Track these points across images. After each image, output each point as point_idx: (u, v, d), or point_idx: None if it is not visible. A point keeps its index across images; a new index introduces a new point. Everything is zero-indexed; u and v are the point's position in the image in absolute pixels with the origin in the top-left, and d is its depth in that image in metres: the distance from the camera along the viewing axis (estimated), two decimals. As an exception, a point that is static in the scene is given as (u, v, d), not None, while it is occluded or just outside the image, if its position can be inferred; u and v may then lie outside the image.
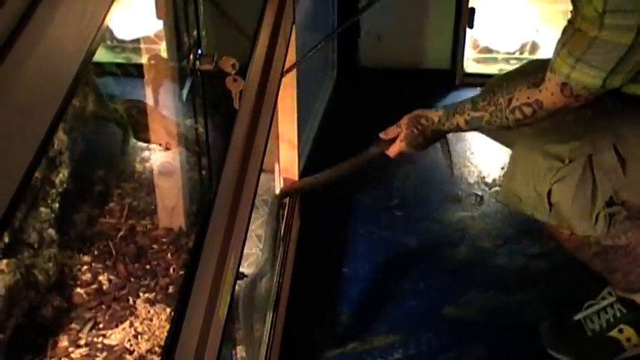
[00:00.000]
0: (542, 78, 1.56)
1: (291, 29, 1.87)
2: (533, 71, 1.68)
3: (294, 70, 1.93)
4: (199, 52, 1.35)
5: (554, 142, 1.64)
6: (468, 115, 1.70)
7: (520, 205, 1.73)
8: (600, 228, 1.62)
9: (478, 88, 2.66)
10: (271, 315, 1.85)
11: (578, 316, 1.90)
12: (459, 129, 1.76)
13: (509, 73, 1.95)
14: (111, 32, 1.88)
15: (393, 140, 1.81)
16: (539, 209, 1.67)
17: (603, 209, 1.61)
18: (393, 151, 1.83)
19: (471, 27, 2.59)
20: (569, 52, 1.47)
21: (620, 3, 1.38)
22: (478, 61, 2.72)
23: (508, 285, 2.10)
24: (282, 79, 1.78)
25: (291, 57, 1.89)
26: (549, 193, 1.63)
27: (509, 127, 1.66)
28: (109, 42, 1.92)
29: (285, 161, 2.07)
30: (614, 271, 1.79)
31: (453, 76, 2.71)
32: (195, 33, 1.36)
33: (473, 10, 2.56)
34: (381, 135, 1.85)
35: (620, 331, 1.85)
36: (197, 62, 1.34)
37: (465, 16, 2.58)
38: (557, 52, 1.51)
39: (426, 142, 1.81)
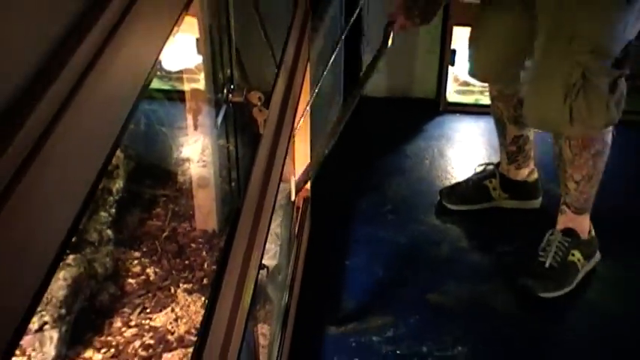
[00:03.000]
0: None
1: (307, 66, 1.87)
2: None
3: (308, 98, 1.93)
4: (231, 86, 1.34)
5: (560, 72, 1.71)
6: None
7: (546, 126, 1.88)
8: (613, 112, 1.75)
9: (458, 115, 2.70)
10: (286, 299, 1.84)
11: (547, 263, 1.98)
12: None
13: None
14: (159, 63, 1.87)
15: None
16: (565, 126, 1.77)
17: (610, 97, 1.73)
18: (396, 26, 1.79)
19: (453, 65, 2.58)
20: None
21: None
22: (458, 92, 2.71)
23: (480, 277, 2.09)
24: (298, 109, 1.77)
25: (306, 89, 1.89)
26: (571, 111, 1.72)
27: None
28: (158, 72, 1.90)
29: (300, 172, 2.06)
30: (590, 179, 1.92)
31: (437, 104, 2.70)
32: (228, 70, 1.35)
33: (454, 51, 2.55)
34: (388, 16, 1.82)
35: (573, 254, 1.99)
36: (229, 95, 1.34)
37: (447, 56, 2.57)
38: None
39: (422, 13, 1.77)
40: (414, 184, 2.39)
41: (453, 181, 2.39)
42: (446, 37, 2.56)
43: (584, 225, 2.02)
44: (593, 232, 2.05)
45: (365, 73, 1.96)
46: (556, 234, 2.01)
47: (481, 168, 2.30)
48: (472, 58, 2.05)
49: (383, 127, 2.59)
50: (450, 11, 2.51)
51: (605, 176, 1.98)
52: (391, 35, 1.82)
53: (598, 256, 2.06)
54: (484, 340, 1.93)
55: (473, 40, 2.03)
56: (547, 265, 1.98)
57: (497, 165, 2.27)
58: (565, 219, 2.02)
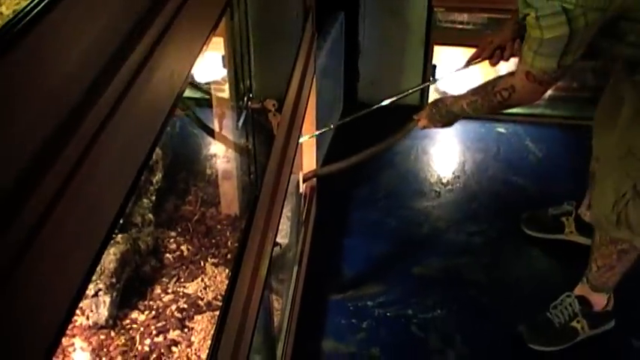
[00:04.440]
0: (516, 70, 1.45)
1: (313, 79, 1.86)
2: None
3: (314, 107, 1.92)
4: (250, 95, 1.34)
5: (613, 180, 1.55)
6: (468, 99, 1.55)
7: (597, 223, 1.67)
8: None
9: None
10: (296, 271, 1.85)
11: (548, 315, 1.81)
12: (463, 111, 1.58)
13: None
14: (192, 76, 1.85)
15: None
16: (612, 228, 1.60)
17: None
18: (419, 124, 1.72)
19: (434, 77, 2.57)
20: (528, 48, 1.36)
21: (543, 8, 1.27)
22: (438, 100, 2.69)
23: (455, 252, 2.09)
24: (305, 115, 1.77)
25: (312, 98, 1.88)
26: (618, 217, 1.57)
27: (495, 107, 1.51)
28: (190, 83, 1.88)
29: (307, 167, 2.07)
30: (611, 268, 1.71)
31: (421, 109, 2.67)
32: (248, 82, 1.35)
33: (434, 66, 2.54)
34: (414, 115, 1.74)
35: (578, 322, 1.79)
36: (249, 102, 1.33)
37: (429, 70, 2.56)
38: (522, 48, 1.40)
39: (442, 120, 1.66)
40: (401, 175, 2.39)
41: (433, 173, 2.39)
42: (428, 55, 2.55)
43: (599, 300, 1.80)
44: (610, 307, 1.82)
45: (386, 143, 1.89)
46: (572, 297, 1.81)
47: (560, 206, 2.11)
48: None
49: (377, 128, 2.58)
50: (432, 33, 2.50)
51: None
52: (413, 128, 1.75)
53: (610, 324, 1.83)
54: (458, 303, 1.93)
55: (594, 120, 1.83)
56: (554, 323, 1.81)
57: (577, 206, 2.08)
58: (582, 288, 1.82)
